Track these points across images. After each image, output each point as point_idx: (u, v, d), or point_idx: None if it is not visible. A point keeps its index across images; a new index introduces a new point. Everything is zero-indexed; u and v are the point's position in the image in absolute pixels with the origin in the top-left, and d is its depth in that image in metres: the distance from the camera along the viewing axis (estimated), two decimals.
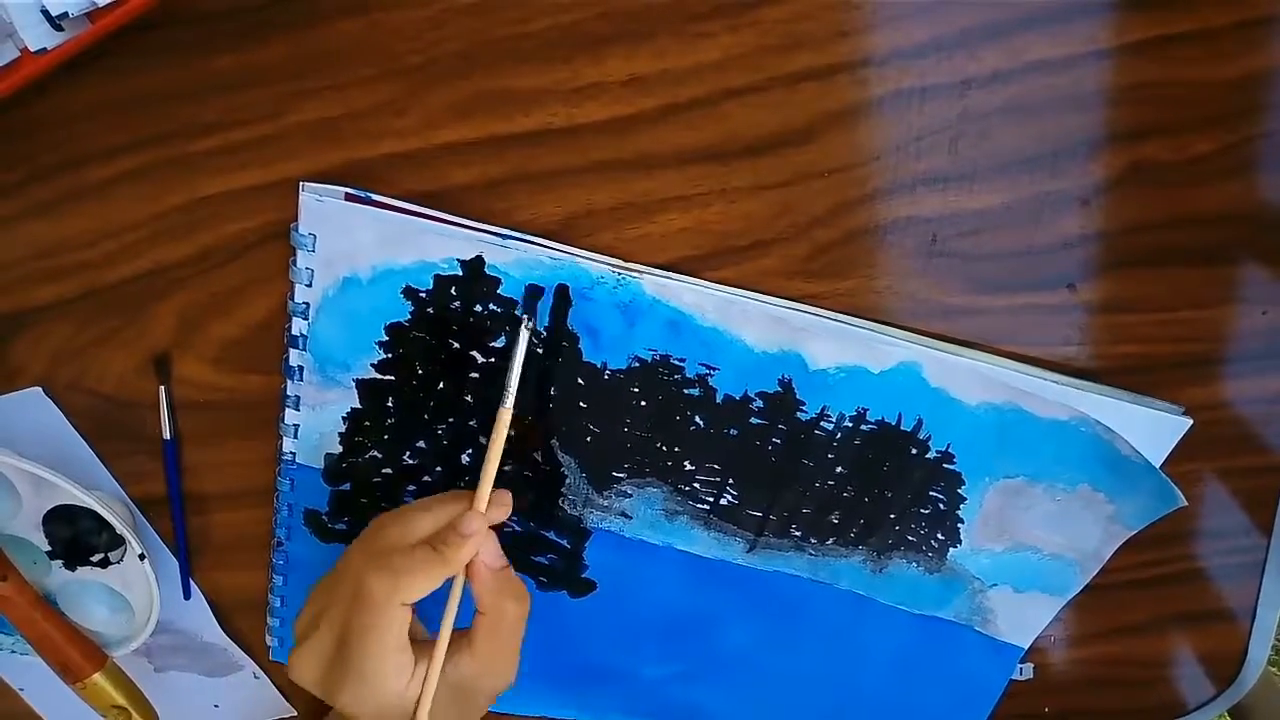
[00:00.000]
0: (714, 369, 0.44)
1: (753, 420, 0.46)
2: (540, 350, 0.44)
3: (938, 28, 0.39)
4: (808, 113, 0.40)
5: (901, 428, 0.46)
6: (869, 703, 0.57)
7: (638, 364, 0.44)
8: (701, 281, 0.43)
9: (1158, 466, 0.46)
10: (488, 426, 0.46)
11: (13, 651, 0.53)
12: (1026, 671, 0.57)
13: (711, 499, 0.48)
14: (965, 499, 0.48)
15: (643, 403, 0.45)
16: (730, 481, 0.48)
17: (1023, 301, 0.44)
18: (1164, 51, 0.39)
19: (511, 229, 0.41)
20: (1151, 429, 0.46)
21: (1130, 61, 0.39)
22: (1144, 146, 0.41)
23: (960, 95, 0.40)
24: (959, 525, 0.49)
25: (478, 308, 0.43)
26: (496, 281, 0.42)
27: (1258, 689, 0.59)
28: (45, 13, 0.35)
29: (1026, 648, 0.54)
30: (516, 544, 0.50)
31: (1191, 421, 0.46)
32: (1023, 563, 0.50)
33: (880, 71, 0.39)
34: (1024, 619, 0.53)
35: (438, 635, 0.41)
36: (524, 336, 0.42)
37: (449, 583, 0.40)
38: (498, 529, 0.50)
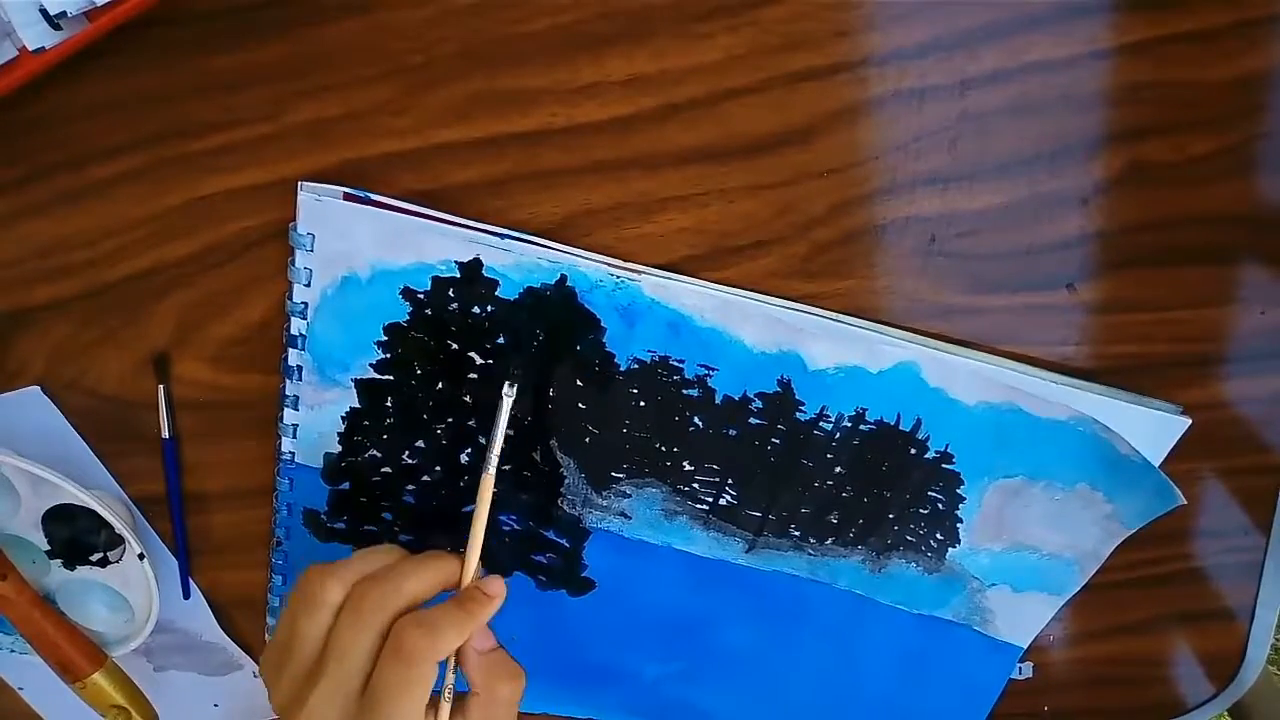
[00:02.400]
0: (713, 369, 0.44)
1: (752, 421, 0.46)
2: (538, 351, 0.44)
3: (937, 28, 0.39)
4: (807, 113, 0.40)
5: (900, 428, 0.46)
6: (868, 702, 0.57)
7: (637, 365, 0.44)
8: (701, 282, 0.43)
9: (1156, 466, 0.46)
10: (486, 426, 0.46)
11: (12, 651, 0.53)
12: (1026, 670, 0.57)
13: (710, 499, 0.48)
14: (964, 499, 0.48)
15: (642, 404, 0.45)
16: (729, 482, 0.48)
17: (1021, 301, 0.44)
18: (1163, 51, 0.39)
19: (510, 228, 0.41)
20: (1150, 429, 0.46)
21: (1129, 61, 0.39)
22: (1143, 146, 0.41)
23: (959, 95, 0.40)
24: (958, 525, 0.49)
25: (475, 309, 0.43)
26: (494, 284, 0.42)
27: (1257, 688, 0.59)
28: (44, 12, 0.35)
29: (1026, 647, 0.54)
30: (516, 542, 0.50)
31: (1190, 421, 0.46)
32: (1021, 562, 0.50)
33: (880, 71, 0.39)
34: (1023, 618, 0.53)
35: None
36: (506, 405, 0.42)
37: None
38: (494, 527, 0.50)
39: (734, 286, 0.43)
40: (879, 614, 0.53)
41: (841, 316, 0.44)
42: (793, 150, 0.41)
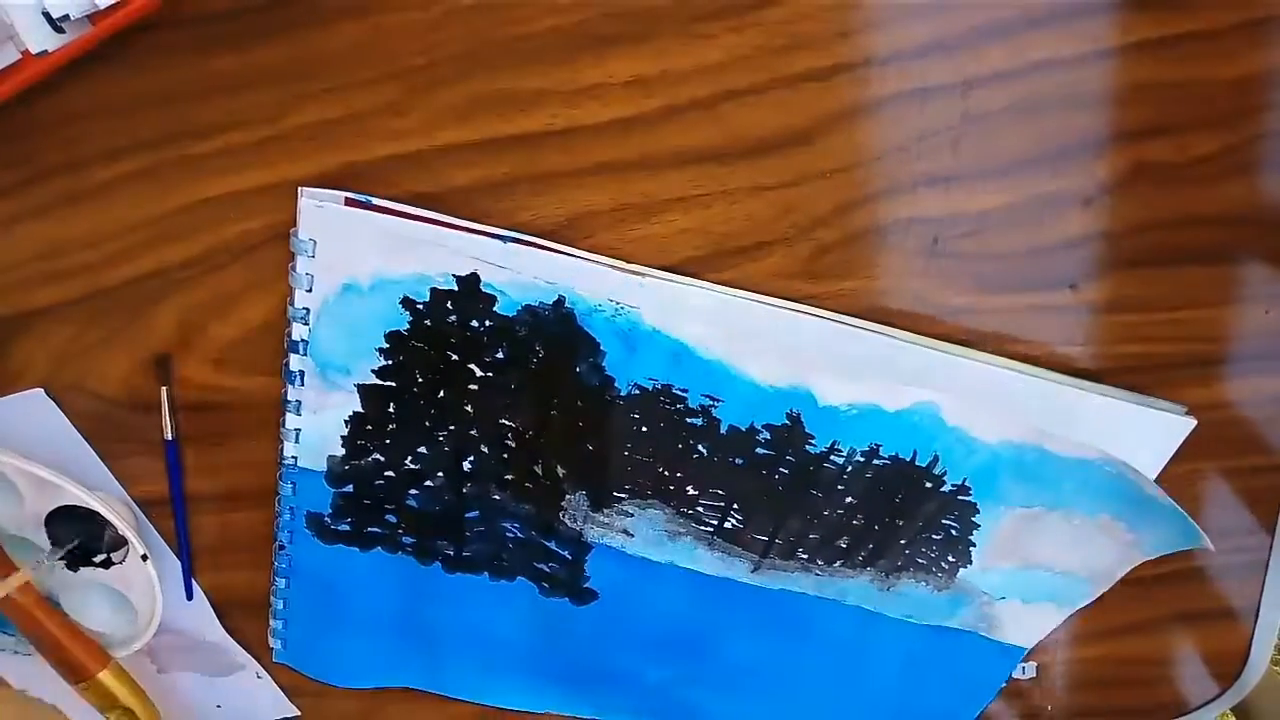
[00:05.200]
0: (718, 400, 0.44)
1: (759, 451, 0.45)
2: (538, 368, 0.44)
3: (939, 28, 0.38)
4: (809, 113, 0.40)
5: (916, 463, 0.45)
6: (872, 704, 0.57)
7: (638, 391, 0.44)
8: (703, 282, 0.43)
9: (1162, 467, 0.46)
10: (488, 435, 0.46)
11: (15, 652, 0.53)
12: (1029, 670, 0.57)
13: (715, 522, 0.48)
14: (979, 525, 0.48)
15: (644, 429, 0.45)
16: (735, 507, 0.47)
17: (1025, 302, 0.44)
18: (1166, 51, 0.39)
19: (512, 230, 0.41)
20: (1155, 429, 0.46)
21: (1132, 61, 0.39)
22: (1146, 146, 0.41)
23: (962, 95, 0.40)
24: (971, 549, 0.49)
25: (474, 323, 0.43)
26: (492, 299, 0.42)
27: (1261, 688, 0.58)
28: (46, 15, 0.35)
29: (1029, 648, 0.54)
30: (519, 550, 0.50)
31: (1195, 422, 0.46)
32: (1033, 579, 0.50)
33: (882, 72, 0.39)
34: (1030, 625, 0.53)
35: None
36: None
37: None
38: (498, 533, 0.50)
39: (737, 288, 0.43)
40: (886, 626, 0.52)
41: (845, 319, 0.43)
42: (795, 151, 0.41)
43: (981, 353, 0.45)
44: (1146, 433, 0.45)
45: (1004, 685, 0.56)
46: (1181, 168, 0.41)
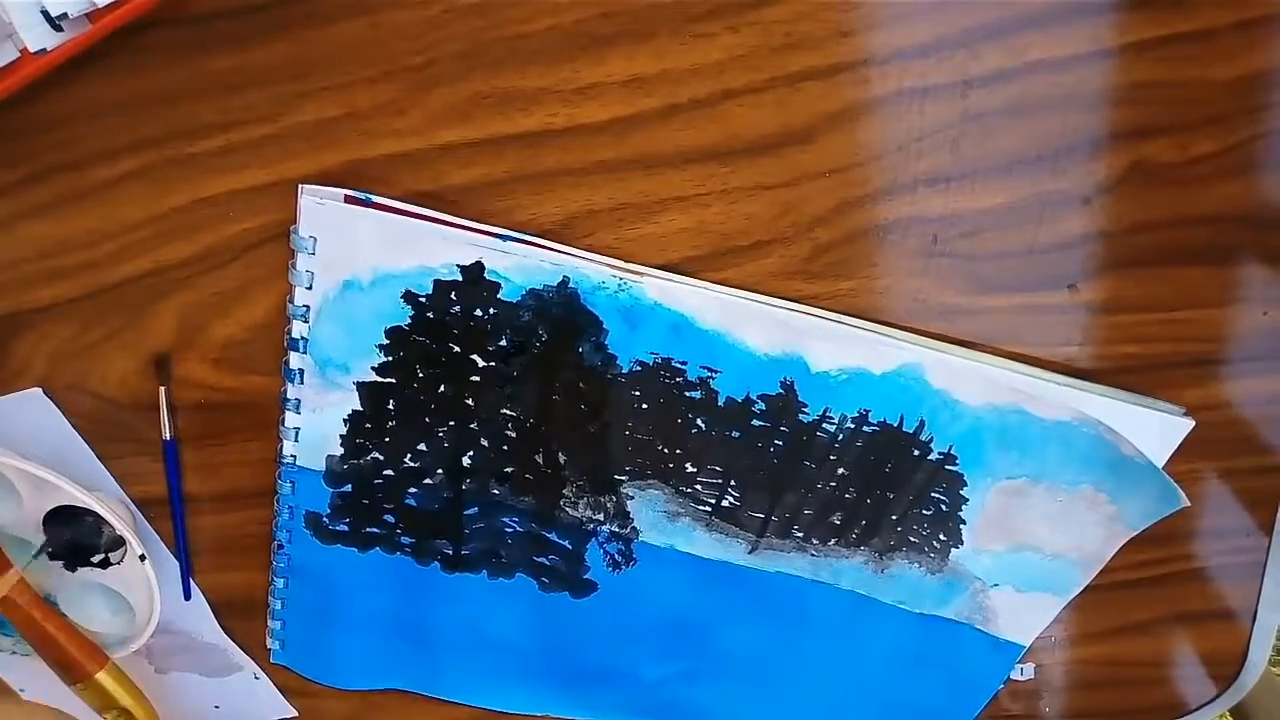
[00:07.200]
0: (716, 371, 0.44)
1: (754, 422, 0.46)
2: (540, 353, 0.44)
3: (939, 27, 0.39)
4: (808, 113, 0.40)
5: (903, 430, 0.46)
6: (867, 699, 0.57)
7: (639, 367, 0.44)
8: (702, 283, 0.43)
9: (1160, 468, 0.46)
10: (489, 429, 0.46)
11: (13, 652, 0.53)
12: (1027, 671, 0.57)
13: (713, 501, 0.48)
14: (967, 500, 0.48)
15: (644, 405, 0.45)
16: (732, 483, 0.48)
17: (1024, 302, 0.44)
18: (1165, 51, 0.39)
19: (511, 229, 0.41)
20: (1153, 430, 0.46)
21: (1131, 61, 0.39)
22: (1145, 146, 0.41)
23: (961, 95, 0.40)
24: (961, 526, 0.49)
25: (478, 312, 0.43)
26: (496, 286, 0.42)
27: (1258, 689, 0.58)
28: (45, 13, 0.35)
29: (1027, 645, 0.54)
30: (519, 545, 0.50)
31: (1194, 422, 0.46)
32: (1024, 563, 0.50)
33: (881, 71, 0.39)
34: (1025, 618, 0.53)
35: None
36: None
37: None
38: (497, 529, 0.50)
39: (736, 287, 0.43)
40: (881, 613, 0.53)
41: (844, 318, 0.44)
42: (794, 150, 0.41)
43: (980, 352, 0.45)
44: (1145, 433, 0.45)
45: (1002, 686, 0.57)
46: (1180, 167, 0.41)
